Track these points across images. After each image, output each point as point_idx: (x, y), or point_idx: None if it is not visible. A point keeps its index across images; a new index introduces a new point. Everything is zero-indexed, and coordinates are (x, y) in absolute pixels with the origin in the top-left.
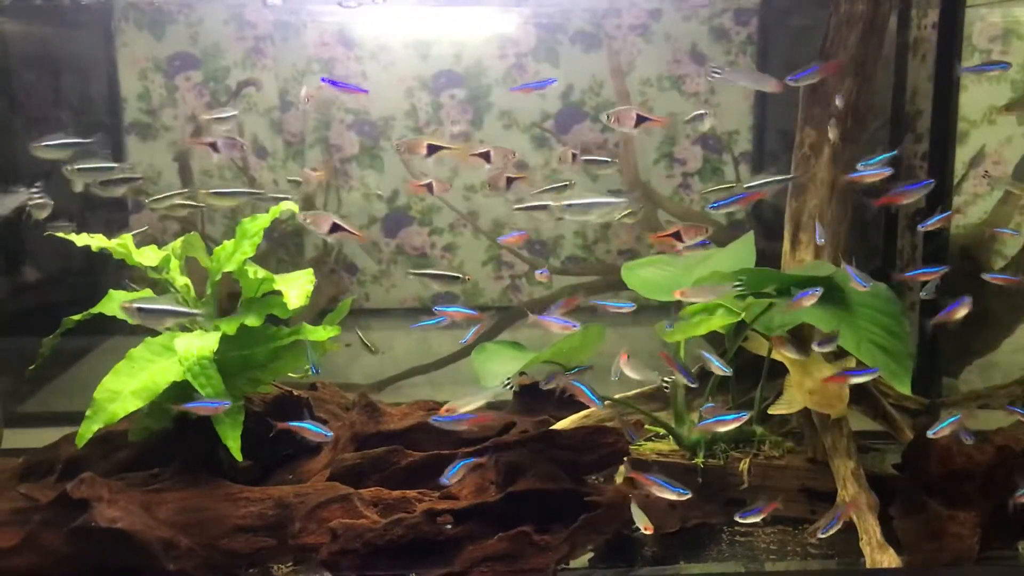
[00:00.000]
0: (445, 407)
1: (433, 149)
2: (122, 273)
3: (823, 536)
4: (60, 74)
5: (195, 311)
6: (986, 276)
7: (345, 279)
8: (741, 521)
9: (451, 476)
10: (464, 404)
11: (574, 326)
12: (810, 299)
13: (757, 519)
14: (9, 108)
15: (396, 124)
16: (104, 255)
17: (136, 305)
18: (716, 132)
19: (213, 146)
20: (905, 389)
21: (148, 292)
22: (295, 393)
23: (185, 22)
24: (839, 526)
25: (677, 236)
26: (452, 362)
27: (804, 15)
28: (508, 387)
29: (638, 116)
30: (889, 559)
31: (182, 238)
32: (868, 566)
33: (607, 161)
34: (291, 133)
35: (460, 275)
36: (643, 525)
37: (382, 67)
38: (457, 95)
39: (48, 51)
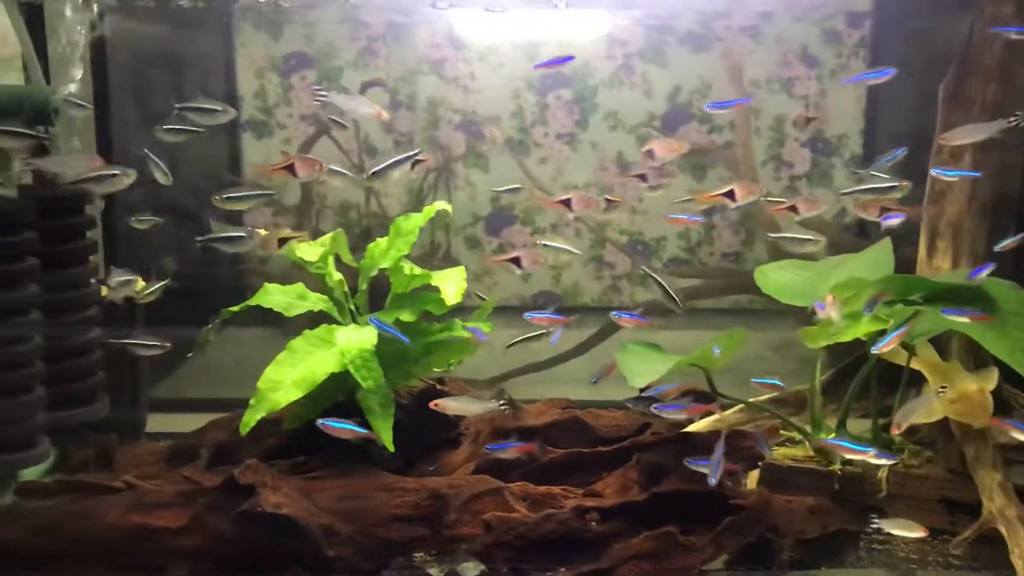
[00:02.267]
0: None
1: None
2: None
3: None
4: (181, 72)
5: None
6: None
7: None
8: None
9: (500, 450)
10: (455, 408)
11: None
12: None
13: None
14: (132, 105)
15: (503, 124)
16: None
17: None
18: (824, 135)
19: (291, 169)
20: None
21: (301, 287)
22: (438, 387)
23: (301, 22)
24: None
25: (730, 195)
26: (563, 361)
27: (919, 18)
28: (503, 406)
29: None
30: None
31: (331, 234)
32: None
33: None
34: (400, 132)
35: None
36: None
37: (491, 68)
38: (563, 96)
39: (170, 50)
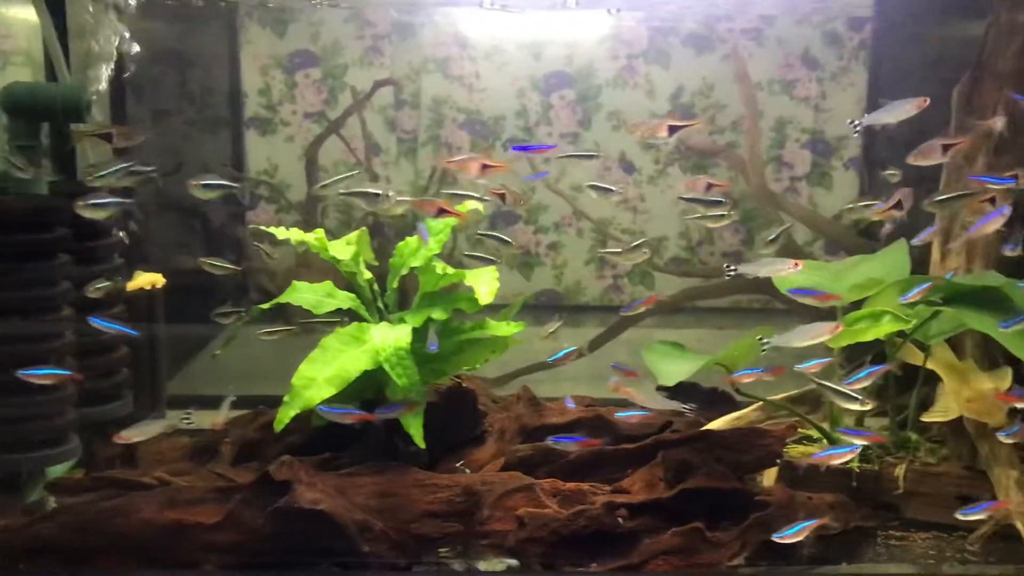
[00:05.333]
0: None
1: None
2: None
3: (964, 517)
4: (186, 69)
5: None
6: None
7: None
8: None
9: (562, 443)
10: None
11: None
12: None
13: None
14: (137, 101)
15: (507, 124)
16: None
17: None
18: (825, 136)
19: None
20: None
21: (329, 285)
22: (464, 384)
23: (307, 21)
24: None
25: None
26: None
27: (919, 22)
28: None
29: None
30: None
31: (356, 233)
32: None
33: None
34: (404, 131)
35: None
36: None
37: (496, 67)
38: (567, 96)
39: (175, 46)
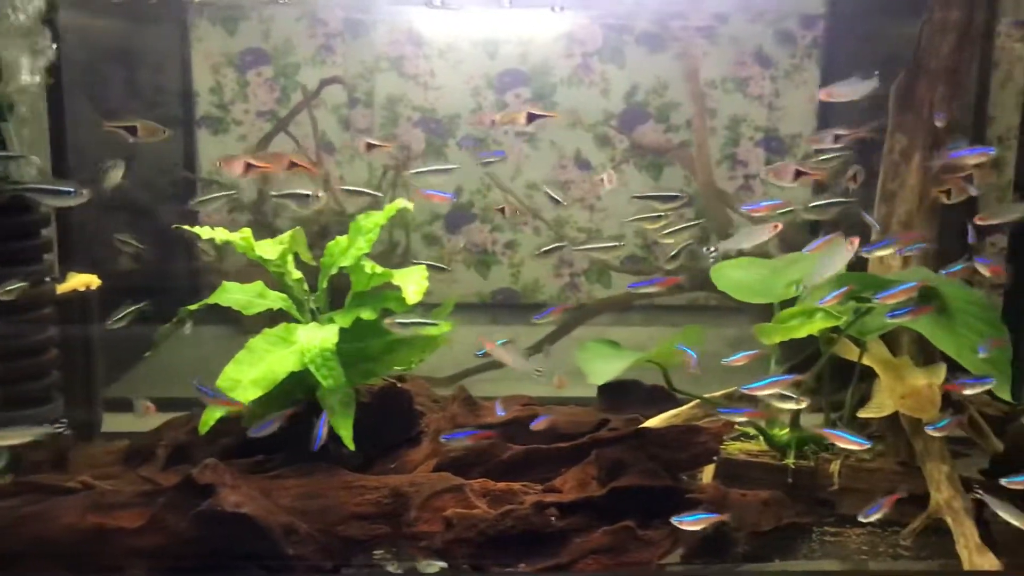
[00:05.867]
0: None
1: None
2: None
3: (865, 520)
4: (137, 68)
5: None
6: None
7: None
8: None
9: (453, 439)
10: None
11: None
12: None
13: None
14: (86, 101)
15: (462, 122)
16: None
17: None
18: (779, 134)
19: None
20: (1006, 395)
21: (260, 285)
22: (398, 385)
23: (258, 18)
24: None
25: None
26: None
27: (871, 20)
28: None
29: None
30: (989, 562)
31: (290, 232)
32: (966, 568)
33: None
34: (358, 130)
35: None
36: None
37: (450, 66)
38: (523, 94)
39: (124, 45)
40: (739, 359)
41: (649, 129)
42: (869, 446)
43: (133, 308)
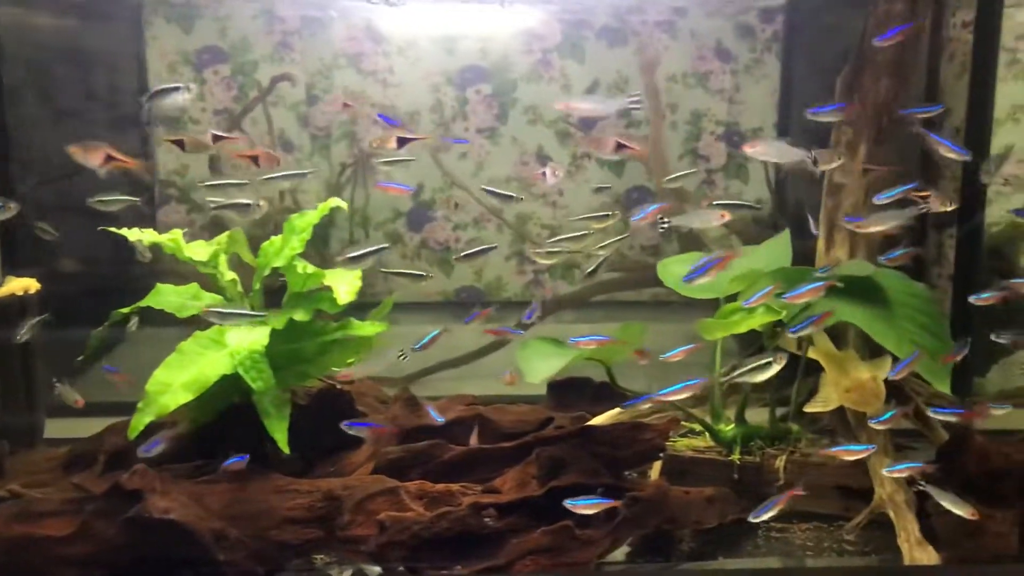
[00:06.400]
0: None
1: None
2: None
3: (755, 520)
4: (90, 67)
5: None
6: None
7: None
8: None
9: (355, 428)
10: None
11: None
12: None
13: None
14: (39, 101)
15: (422, 119)
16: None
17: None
18: (740, 128)
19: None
20: (944, 388)
21: (195, 287)
22: (338, 387)
23: (213, 16)
24: (775, 511)
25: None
26: (479, 357)
27: (830, 13)
28: None
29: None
30: (928, 556)
31: (227, 233)
32: (907, 562)
33: None
34: (317, 127)
35: (424, 273)
36: None
37: (409, 62)
38: (483, 90)
39: (78, 44)
40: (676, 354)
41: (609, 125)
42: (872, 449)
43: (36, 320)
